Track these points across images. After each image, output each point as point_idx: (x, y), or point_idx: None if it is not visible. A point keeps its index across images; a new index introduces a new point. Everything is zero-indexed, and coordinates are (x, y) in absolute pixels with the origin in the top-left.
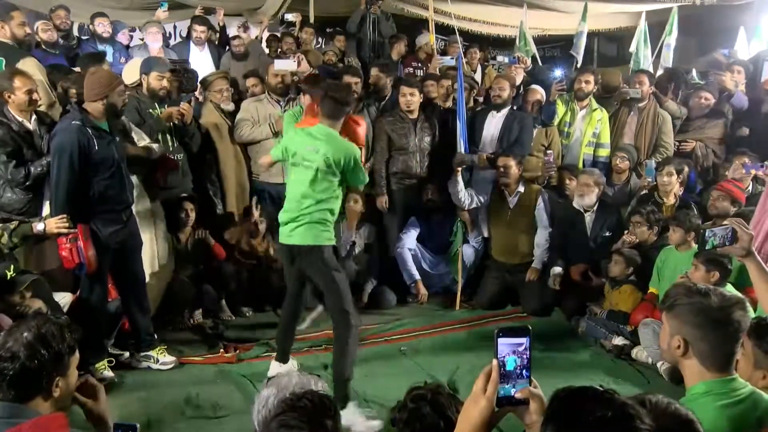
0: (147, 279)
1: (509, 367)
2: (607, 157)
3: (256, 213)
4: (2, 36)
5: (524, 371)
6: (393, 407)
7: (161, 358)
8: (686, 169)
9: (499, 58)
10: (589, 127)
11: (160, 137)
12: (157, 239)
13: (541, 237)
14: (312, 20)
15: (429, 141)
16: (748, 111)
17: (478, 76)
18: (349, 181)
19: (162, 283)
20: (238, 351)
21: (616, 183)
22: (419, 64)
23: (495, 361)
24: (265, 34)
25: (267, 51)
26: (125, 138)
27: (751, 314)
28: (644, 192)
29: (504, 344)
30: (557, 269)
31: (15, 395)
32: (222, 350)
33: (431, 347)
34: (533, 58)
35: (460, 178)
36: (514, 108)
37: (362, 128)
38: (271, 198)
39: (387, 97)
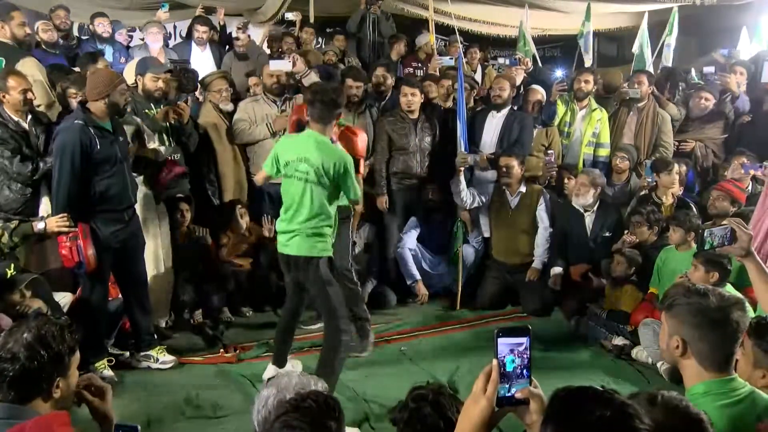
0: (154, 280)
1: (509, 366)
2: (606, 157)
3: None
4: (2, 36)
5: (524, 371)
6: (394, 407)
7: (161, 358)
8: (684, 168)
9: (500, 60)
10: (588, 127)
11: (158, 138)
12: (162, 240)
13: (542, 237)
14: (312, 20)
15: (429, 141)
16: (748, 111)
17: (478, 76)
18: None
19: (168, 284)
20: (238, 351)
21: (616, 183)
22: (419, 64)
23: (495, 361)
24: (258, 33)
25: (268, 51)
26: (138, 138)
27: (751, 314)
28: (643, 192)
29: (504, 344)
30: (557, 269)
31: (15, 396)
32: (222, 350)
33: (431, 347)
34: (534, 59)
35: (462, 178)
36: (515, 108)
37: (361, 139)
38: (271, 198)
39: (387, 97)
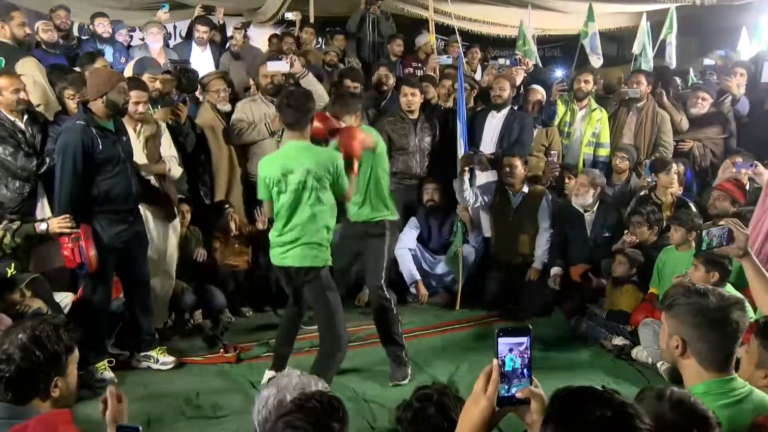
0: (163, 281)
1: (510, 366)
2: (606, 157)
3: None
4: (2, 36)
5: (525, 371)
6: (398, 405)
7: (161, 358)
8: (682, 167)
9: (500, 60)
10: (588, 127)
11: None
12: (168, 242)
13: (543, 238)
14: (312, 20)
15: (429, 141)
16: (749, 112)
17: (478, 76)
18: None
19: (169, 285)
20: (238, 351)
21: (616, 183)
22: (419, 64)
23: (495, 361)
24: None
25: (267, 49)
26: (153, 140)
27: (750, 314)
28: (643, 192)
29: (504, 344)
30: (557, 269)
31: (12, 397)
32: (222, 350)
33: (431, 347)
34: (535, 59)
35: (466, 177)
36: (515, 108)
37: (359, 142)
38: None
39: (388, 97)
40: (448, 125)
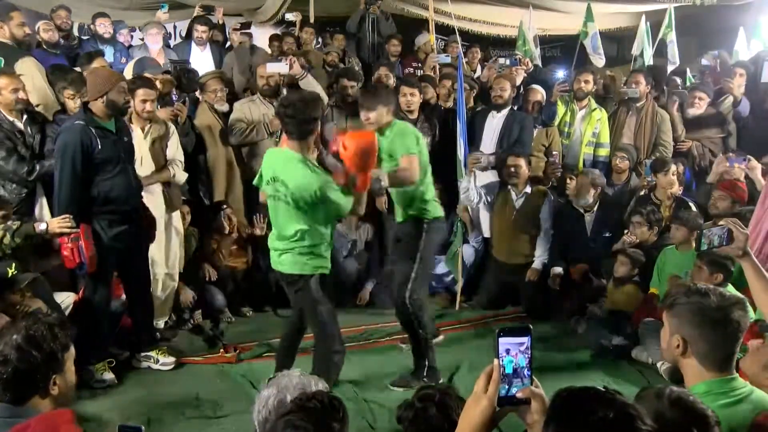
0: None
1: (510, 366)
2: (606, 157)
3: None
4: (1, 36)
5: (525, 371)
6: (400, 405)
7: (162, 359)
8: (681, 167)
9: (501, 60)
10: (588, 127)
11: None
12: (172, 243)
13: (544, 238)
14: (312, 20)
15: (429, 141)
16: (749, 112)
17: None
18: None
19: (171, 286)
20: (238, 351)
21: (616, 183)
22: (419, 64)
23: (496, 361)
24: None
25: (269, 51)
26: (160, 141)
27: (751, 314)
28: (643, 192)
29: (505, 344)
30: (557, 269)
31: (11, 397)
32: (222, 350)
33: None
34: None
35: (472, 177)
36: (514, 108)
37: (352, 151)
38: None
39: None
40: (447, 125)
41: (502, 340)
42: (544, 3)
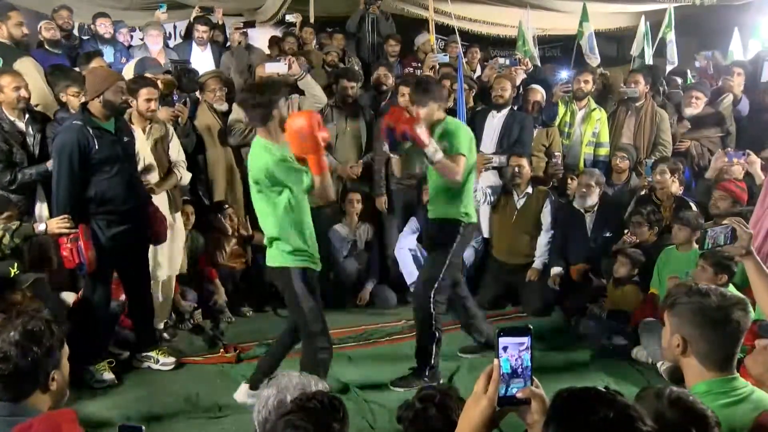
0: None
1: (510, 366)
2: (606, 156)
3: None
4: (0, 36)
5: (525, 371)
6: (400, 405)
7: (162, 359)
8: (680, 167)
9: (501, 60)
10: (588, 127)
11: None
12: (175, 243)
13: (544, 238)
14: (312, 20)
15: None
16: (748, 112)
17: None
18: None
19: (171, 286)
20: (238, 351)
21: (616, 183)
22: (419, 64)
23: (496, 361)
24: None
25: (269, 51)
26: (162, 142)
27: (752, 314)
28: (643, 192)
29: (505, 344)
30: (557, 269)
31: (13, 394)
32: (222, 350)
33: None
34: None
35: (480, 177)
36: (514, 108)
37: (293, 132)
38: None
39: (387, 97)
40: None
41: (502, 340)
42: (544, 3)
